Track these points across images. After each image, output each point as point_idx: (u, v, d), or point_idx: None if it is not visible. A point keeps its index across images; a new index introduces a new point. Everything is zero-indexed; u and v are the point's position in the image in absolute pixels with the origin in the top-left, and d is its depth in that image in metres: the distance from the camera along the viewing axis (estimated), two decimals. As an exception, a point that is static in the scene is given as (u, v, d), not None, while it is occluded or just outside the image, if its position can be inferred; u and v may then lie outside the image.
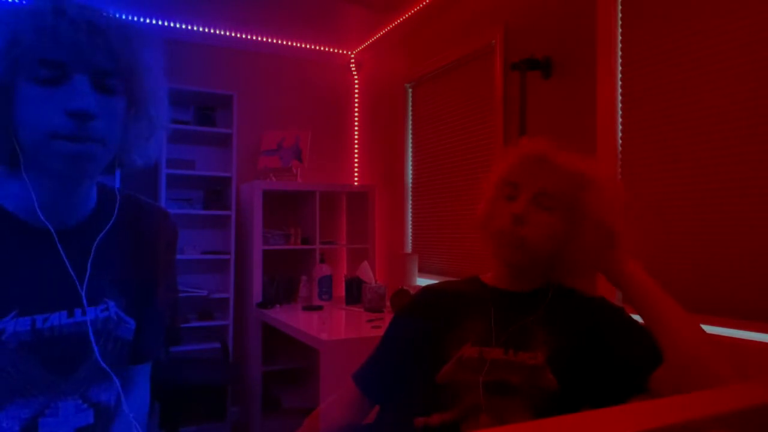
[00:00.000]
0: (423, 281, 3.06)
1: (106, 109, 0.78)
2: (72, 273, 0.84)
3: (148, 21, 3.30)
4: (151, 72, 0.84)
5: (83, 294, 0.84)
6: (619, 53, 1.92)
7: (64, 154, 0.75)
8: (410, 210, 3.30)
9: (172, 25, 3.37)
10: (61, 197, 0.83)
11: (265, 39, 3.63)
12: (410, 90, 3.33)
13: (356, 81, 3.96)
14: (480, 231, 1.19)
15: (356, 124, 3.94)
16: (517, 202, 1.08)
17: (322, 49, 3.81)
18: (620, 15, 1.92)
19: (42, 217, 0.80)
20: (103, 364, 0.85)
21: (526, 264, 1.11)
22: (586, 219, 1.06)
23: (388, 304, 2.92)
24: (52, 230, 0.82)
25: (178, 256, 3.21)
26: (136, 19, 3.27)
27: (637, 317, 1.03)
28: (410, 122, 3.32)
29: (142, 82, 0.83)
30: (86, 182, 0.86)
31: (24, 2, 0.76)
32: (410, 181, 3.30)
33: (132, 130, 0.84)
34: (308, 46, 3.76)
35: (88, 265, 0.86)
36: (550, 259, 1.11)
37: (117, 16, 0.81)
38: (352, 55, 3.92)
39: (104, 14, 0.78)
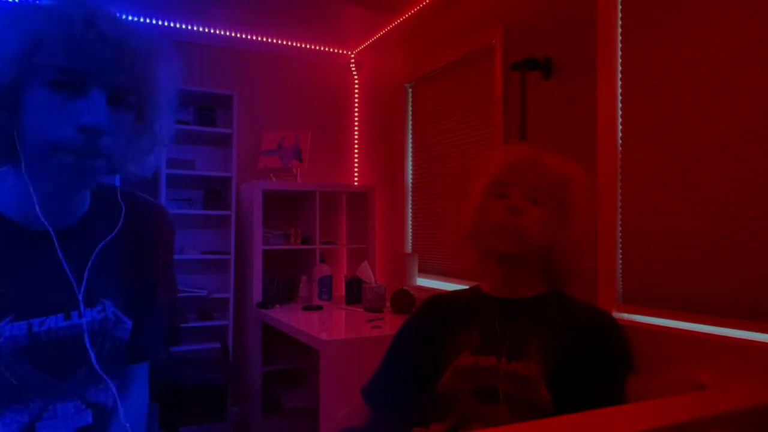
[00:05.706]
0: (423, 281, 3.06)
1: (117, 124, 0.77)
2: (68, 275, 0.83)
3: (149, 21, 3.30)
4: (166, 92, 0.84)
5: (80, 296, 0.83)
6: (619, 53, 1.92)
7: (66, 167, 0.74)
8: (410, 210, 3.30)
9: (173, 25, 3.37)
10: (57, 200, 0.82)
11: (265, 39, 3.63)
12: (410, 90, 3.33)
13: (356, 81, 3.96)
14: (469, 235, 1.21)
15: (356, 124, 3.94)
16: (511, 197, 1.13)
17: (322, 49, 3.81)
18: (620, 15, 1.92)
19: (41, 217, 0.80)
20: (97, 367, 0.84)
21: (524, 254, 1.12)
22: (574, 214, 1.13)
23: (388, 304, 2.92)
24: (51, 231, 0.82)
25: (179, 257, 3.22)
26: (137, 19, 3.27)
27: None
28: (410, 122, 3.32)
29: (154, 100, 0.83)
30: (84, 190, 0.86)
31: (55, 5, 0.74)
32: (410, 181, 3.30)
33: (135, 142, 0.84)
34: (308, 46, 3.76)
35: (85, 266, 0.85)
36: (542, 257, 1.13)
37: (146, 35, 0.79)
38: (352, 55, 3.92)
39: (134, 30, 0.77)
